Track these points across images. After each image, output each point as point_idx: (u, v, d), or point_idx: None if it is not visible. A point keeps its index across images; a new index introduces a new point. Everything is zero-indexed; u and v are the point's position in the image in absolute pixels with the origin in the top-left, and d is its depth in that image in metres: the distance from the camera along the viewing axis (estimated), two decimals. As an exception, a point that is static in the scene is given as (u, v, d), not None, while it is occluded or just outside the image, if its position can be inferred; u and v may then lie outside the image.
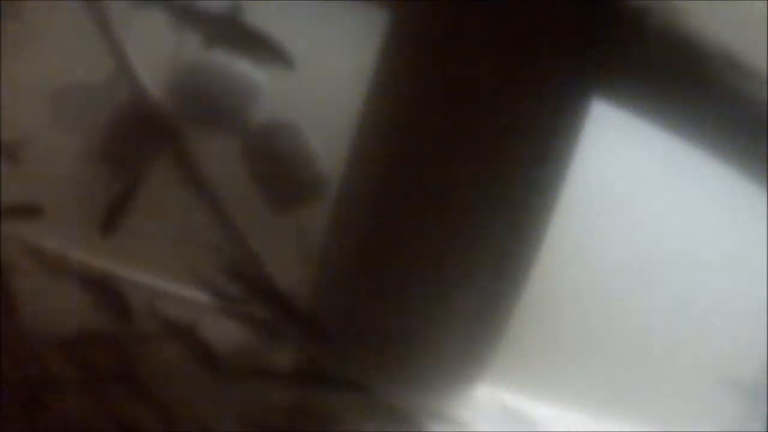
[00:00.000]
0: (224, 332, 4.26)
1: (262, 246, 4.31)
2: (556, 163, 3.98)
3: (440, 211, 4.02)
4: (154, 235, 4.30)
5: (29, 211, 3.84)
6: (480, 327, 4.16)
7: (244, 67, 4.20)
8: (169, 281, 4.30)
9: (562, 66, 3.84)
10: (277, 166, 4.23)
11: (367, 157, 4.07)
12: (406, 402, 4.07)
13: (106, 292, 3.98)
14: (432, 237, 4.05)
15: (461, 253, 4.07)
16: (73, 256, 4.27)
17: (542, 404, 4.29)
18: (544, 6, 3.76)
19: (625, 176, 4.20)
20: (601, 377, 4.33)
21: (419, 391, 4.14)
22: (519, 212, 4.02)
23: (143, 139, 4.26)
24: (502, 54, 3.83)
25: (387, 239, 4.10)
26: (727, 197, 4.09)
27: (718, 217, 4.19)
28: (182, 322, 3.88)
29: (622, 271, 4.28)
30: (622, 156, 4.14)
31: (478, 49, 3.83)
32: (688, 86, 3.85)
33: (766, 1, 3.78)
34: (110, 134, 4.24)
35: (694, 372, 4.33)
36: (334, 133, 4.16)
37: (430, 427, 4.04)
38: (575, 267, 4.26)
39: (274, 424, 3.86)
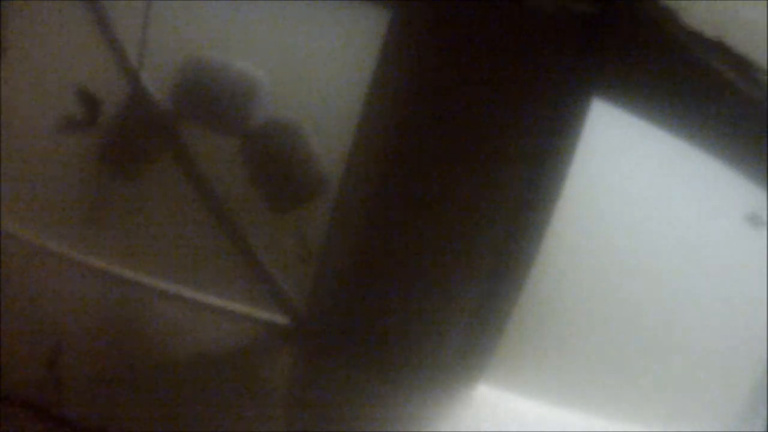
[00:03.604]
0: (224, 332, 4.27)
1: (262, 246, 4.31)
2: (556, 163, 3.98)
3: (440, 211, 4.02)
4: (154, 235, 4.31)
5: None
6: (480, 327, 4.17)
7: (244, 67, 4.20)
8: (169, 281, 4.31)
9: (562, 66, 3.84)
10: (277, 166, 4.23)
11: (367, 157, 4.07)
12: (406, 401, 4.08)
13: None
14: (432, 237, 4.05)
15: (461, 253, 4.07)
16: (73, 255, 4.28)
17: (542, 404, 4.30)
18: (544, 6, 3.76)
19: (624, 176, 4.20)
20: (600, 377, 4.33)
21: (419, 391, 4.14)
22: (519, 212, 4.02)
23: (143, 139, 4.26)
24: (501, 54, 3.83)
25: (387, 239, 4.11)
26: (727, 197, 4.09)
27: (718, 216, 4.18)
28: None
29: (621, 271, 4.28)
30: (622, 156, 4.14)
31: (478, 49, 3.83)
32: (688, 86, 3.85)
33: (766, 1, 3.78)
34: (110, 134, 4.24)
35: (693, 371, 4.33)
36: (334, 133, 4.16)
37: (431, 427, 4.04)
38: (575, 267, 4.26)
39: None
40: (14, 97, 4.20)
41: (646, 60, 3.84)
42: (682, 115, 3.89)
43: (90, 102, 4.03)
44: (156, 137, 4.26)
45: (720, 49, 3.81)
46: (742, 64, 3.80)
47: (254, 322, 4.33)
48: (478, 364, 4.24)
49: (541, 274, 4.14)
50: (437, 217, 4.03)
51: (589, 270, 4.27)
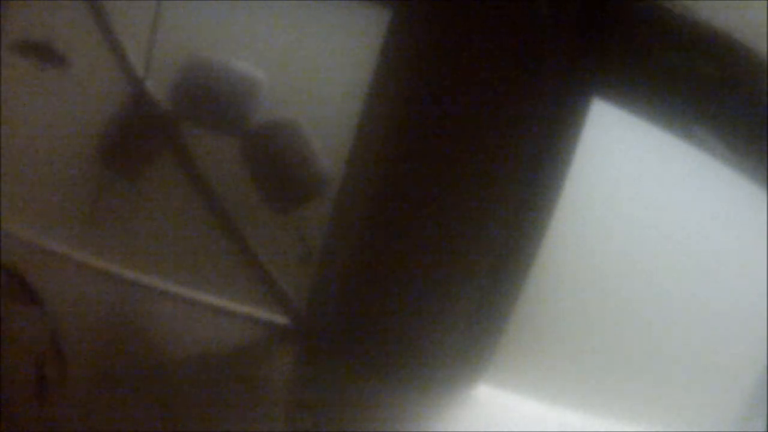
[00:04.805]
0: (224, 332, 4.27)
1: (262, 246, 4.31)
2: (556, 163, 3.98)
3: (440, 211, 4.02)
4: (154, 235, 4.31)
5: None
6: (480, 327, 4.17)
7: (244, 67, 4.20)
8: (169, 281, 4.31)
9: (562, 66, 3.84)
10: (277, 166, 4.23)
11: (367, 157, 4.07)
12: (406, 401, 4.08)
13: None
14: (431, 237, 4.05)
15: (461, 252, 4.07)
16: (74, 256, 4.28)
17: (542, 404, 4.30)
18: (543, 6, 3.77)
19: (624, 176, 4.20)
20: (600, 377, 4.33)
21: (419, 391, 4.14)
22: (519, 212, 4.02)
23: (143, 139, 4.26)
24: (501, 54, 3.83)
25: (387, 239, 4.11)
26: (727, 197, 4.09)
27: (718, 216, 4.19)
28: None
29: (621, 271, 4.28)
30: (622, 156, 4.14)
31: (478, 49, 3.83)
32: (689, 86, 3.85)
33: (766, 1, 3.78)
34: (111, 135, 4.25)
35: (693, 372, 4.33)
36: (334, 133, 4.16)
37: (431, 427, 4.04)
38: (575, 267, 4.26)
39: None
40: (14, 97, 4.20)
41: (646, 60, 3.84)
42: (682, 115, 3.89)
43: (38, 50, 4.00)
44: (156, 137, 4.26)
45: (721, 48, 3.81)
46: (742, 63, 3.80)
47: (254, 322, 4.33)
48: (478, 364, 4.24)
49: (541, 274, 4.14)
50: (437, 217, 4.03)
51: (589, 270, 4.27)
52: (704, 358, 4.31)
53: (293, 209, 4.27)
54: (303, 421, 3.94)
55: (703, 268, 4.28)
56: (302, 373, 4.27)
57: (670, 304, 4.30)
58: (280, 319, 4.34)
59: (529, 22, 3.78)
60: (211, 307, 4.32)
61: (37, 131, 4.26)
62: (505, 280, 4.11)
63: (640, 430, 4.22)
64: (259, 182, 4.25)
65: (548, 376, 4.32)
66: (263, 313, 4.34)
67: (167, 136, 4.25)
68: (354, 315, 4.20)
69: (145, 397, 3.70)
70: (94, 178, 4.27)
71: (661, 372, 4.33)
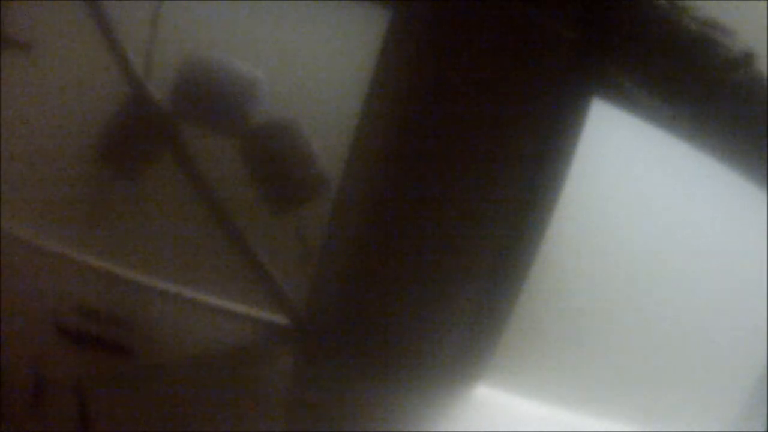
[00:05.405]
0: (224, 332, 4.27)
1: (262, 246, 4.31)
2: (556, 163, 3.98)
3: (440, 211, 4.02)
4: (154, 235, 4.31)
5: None
6: (480, 327, 4.17)
7: (244, 67, 4.20)
8: (169, 281, 4.31)
9: (562, 66, 3.84)
10: (277, 166, 4.23)
11: (367, 157, 4.07)
12: (406, 401, 4.08)
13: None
14: (431, 237, 4.05)
15: (461, 253, 4.07)
16: (73, 255, 4.28)
17: (542, 404, 4.30)
18: (543, 6, 3.77)
19: (625, 176, 4.20)
20: (600, 377, 4.33)
21: (419, 391, 4.14)
22: (519, 212, 4.02)
23: (143, 139, 4.26)
24: (501, 54, 3.83)
25: (386, 239, 4.11)
26: (727, 197, 4.09)
27: (718, 217, 4.19)
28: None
29: (621, 271, 4.28)
30: (622, 156, 4.14)
31: (478, 49, 3.83)
32: (688, 86, 3.85)
33: (766, 1, 3.78)
34: (110, 134, 4.25)
35: (693, 372, 4.33)
36: (334, 133, 4.16)
37: (431, 427, 4.04)
38: (575, 267, 4.26)
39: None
40: (14, 97, 4.20)
41: (646, 60, 3.84)
42: (682, 115, 3.89)
43: None
44: (156, 137, 4.26)
45: (721, 48, 3.81)
46: (742, 63, 3.80)
47: (254, 322, 4.33)
48: (478, 364, 4.24)
49: (541, 274, 4.14)
50: (437, 217, 4.03)
51: (589, 270, 4.27)
52: (704, 358, 4.31)
53: (293, 209, 4.27)
54: (303, 421, 3.94)
55: (703, 268, 4.28)
56: (302, 373, 4.27)
57: (670, 303, 4.30)
58: (280, 319, 4.34)
59: (529, 22, 3.78)
60: (210, 307, 4.32)
61: (36, 131, 4.25)
62: (505, 280, 4.11)
63: (640, 430, 4.22)
64: (258, 182, 4.25)
65: (548, 376, 4.32)
66: (263, 313, 4.34)
67: (167, 136, 4.25)
68: (354, 315, 4.20)
69: (144, 397, 3.70)
70: (94, 178, 4.27)
71: (661, 372, 4.33)
